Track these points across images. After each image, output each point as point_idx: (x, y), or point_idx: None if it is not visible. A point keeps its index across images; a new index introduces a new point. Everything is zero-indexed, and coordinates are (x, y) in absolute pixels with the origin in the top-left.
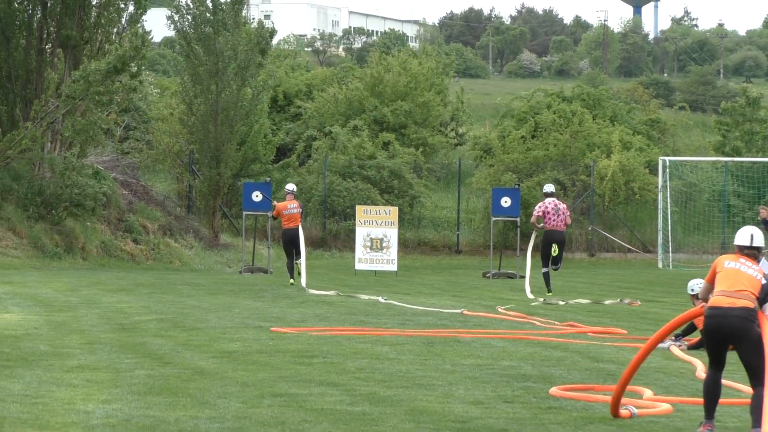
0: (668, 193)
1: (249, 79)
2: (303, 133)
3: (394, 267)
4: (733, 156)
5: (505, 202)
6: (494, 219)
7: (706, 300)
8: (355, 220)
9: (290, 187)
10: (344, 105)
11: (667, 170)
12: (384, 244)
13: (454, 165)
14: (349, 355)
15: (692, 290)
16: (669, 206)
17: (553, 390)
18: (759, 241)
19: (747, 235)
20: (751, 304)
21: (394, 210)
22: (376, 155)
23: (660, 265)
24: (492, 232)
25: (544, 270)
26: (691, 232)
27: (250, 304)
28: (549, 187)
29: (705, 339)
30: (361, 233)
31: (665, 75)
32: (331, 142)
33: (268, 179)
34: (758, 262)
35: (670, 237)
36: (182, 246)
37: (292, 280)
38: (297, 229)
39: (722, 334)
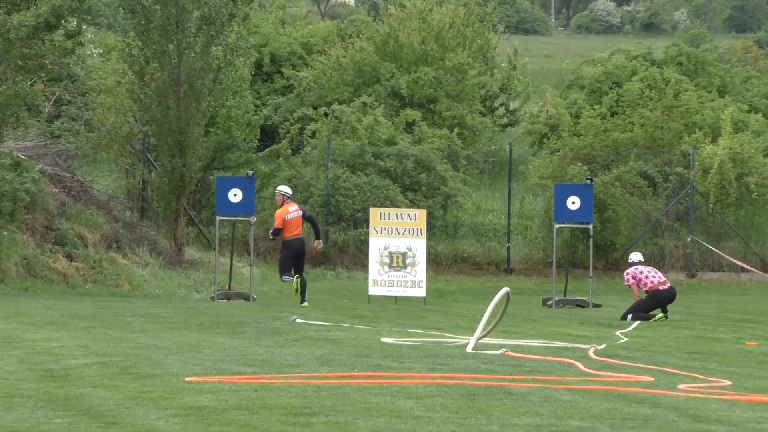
0: None
1: (217, 35)
2: (297, 110)
3: (421, 292)
4: None
5: (573, 203)
6: (558, 226)
7: None
8: (368, 227)
9: (285, 189)
10: (352, 72)
11: None
12: (408, 261)
13: (504, 153)
14: (360, 413)
15: None
16: None
17: None
18: None
19: None
20: None
21: (421, 214)
22: (397, 140)
23: None
24: (555, 245)
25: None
26: None
27: (226, 343)
28: (636, 256)
29: None
30: (377, 245)
31: None
32: (335, 123)
33: (251, 172)
34: None
35: None
36: (133, 263)
37: (305, 303)
38: (303, 239)
39: None
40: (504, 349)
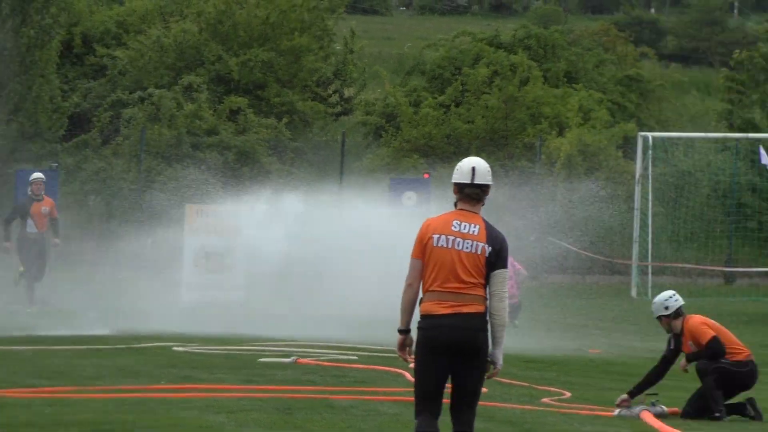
0: (650, 185)
1: (33, 14)
2: (109, 95)
3: (240, 295)
4: (747, 131)
5: (409, 198)
6: None
7: (413, 286)
8: (183, 226)
9: (39, 175)
10: (174, 54)
11: (650, 152)
12: (226, 263)
13: (336, 144)
14: (165, 428)
15: (666, 308)
16: (650, 205)
17: None
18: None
19: (467, 168)
20: (482, 306)
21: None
22: (219, 129)
23: (634, 292)
24: None
25: None
26: (682, 244)
27: (20, 352)
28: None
29: (417, 359)
30: (192, 246)
31: (652, 11)
32: (152, 110)
33: (55, 164)
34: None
35: (650, 250)
36: None
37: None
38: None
39: (442, 352)
40: (294, 357)
